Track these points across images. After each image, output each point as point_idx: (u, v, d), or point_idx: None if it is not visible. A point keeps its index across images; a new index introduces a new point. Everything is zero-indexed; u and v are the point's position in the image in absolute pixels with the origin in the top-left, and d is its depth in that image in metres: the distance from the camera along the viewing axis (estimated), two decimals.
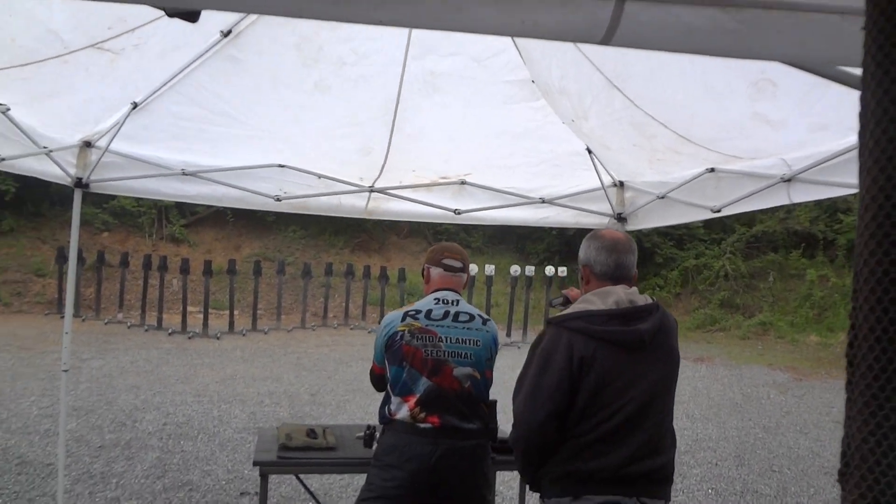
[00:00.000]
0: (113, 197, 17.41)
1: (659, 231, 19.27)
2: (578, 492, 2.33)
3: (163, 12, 1.10)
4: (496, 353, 3.12)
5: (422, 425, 2.88)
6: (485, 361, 3.02)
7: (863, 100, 0.72)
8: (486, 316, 3.13)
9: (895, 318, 0.53)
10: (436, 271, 3.15)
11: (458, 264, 3.15)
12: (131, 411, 7.70)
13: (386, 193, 4.58)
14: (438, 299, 3.05)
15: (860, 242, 0.57)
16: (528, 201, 4.69)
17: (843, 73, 1.34)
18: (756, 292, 18.94)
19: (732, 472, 6.68)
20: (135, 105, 3.68)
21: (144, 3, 1.01)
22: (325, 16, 0.97)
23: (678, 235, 20.23)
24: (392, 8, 0.93)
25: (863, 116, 0.71)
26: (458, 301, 3.07)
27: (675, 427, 2.55)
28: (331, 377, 10.28)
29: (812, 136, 2.91)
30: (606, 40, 1.05)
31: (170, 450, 6.39)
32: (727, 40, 1.08)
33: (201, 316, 14.30)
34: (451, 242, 3.38)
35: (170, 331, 13.72)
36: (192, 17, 1.02)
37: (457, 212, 4.65)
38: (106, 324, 14.16)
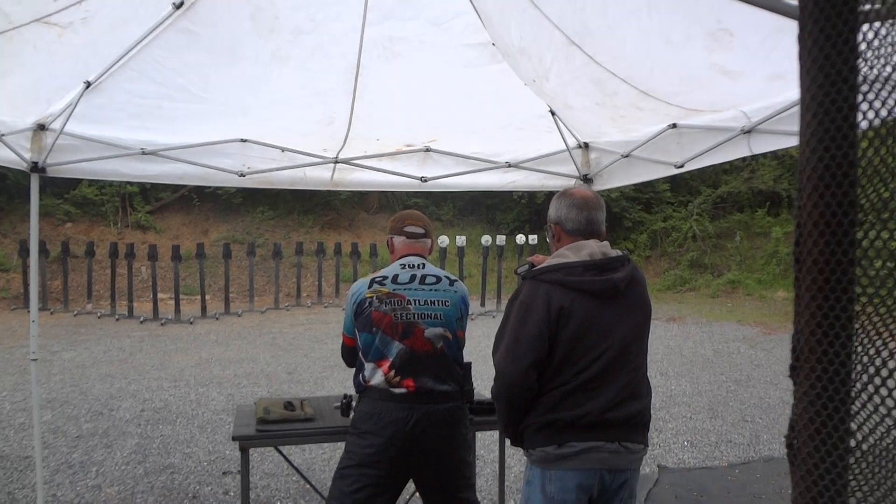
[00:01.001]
0: (74, 186, 17.06)
1: (627, 195, 19.46)
2: (561, 439, 2.38)
3: None
4: (467, 314, 3.14)
5: (397, 390, 2.90)
6: (455, 321, 3.03)
7: (801, 22, 0.73)
8: (453, 277, 3.14)
9: (837, 211, 0.55)
10: (398, 239, 3.16)
11: (419, 230, 3.15)
12: (107, 400, 7.62)
13: (351, 164, 4.54)
14: (404, 264, 3.06)
15: (803, 145, 0.59)
16: (494, 166, 4.69)
17: (789, 5, 1.35)
18: (724, 252, 19.27)
19: (706, 425, 6.84)
20: (88, 84, 3.59)
21: None
22: None
23: (646, 199, 20.45)
24: None
25: (801, 38, 0.72)
26: (423, 265, 3.08)
27: (650, 384, 2.61)
28: (307, 355, 10.27)
29: (770, 85, 2.94)
30: None
31: (149, 435, 6.35)
32: None
33: (172, 302, 14.15)
34: (412, 210, 3.36)
35: (141, 319, 13.57)
36: None
37: (423, 179, 4.63)
38: (75, 315, 13.94)
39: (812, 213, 0.57)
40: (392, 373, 2.90)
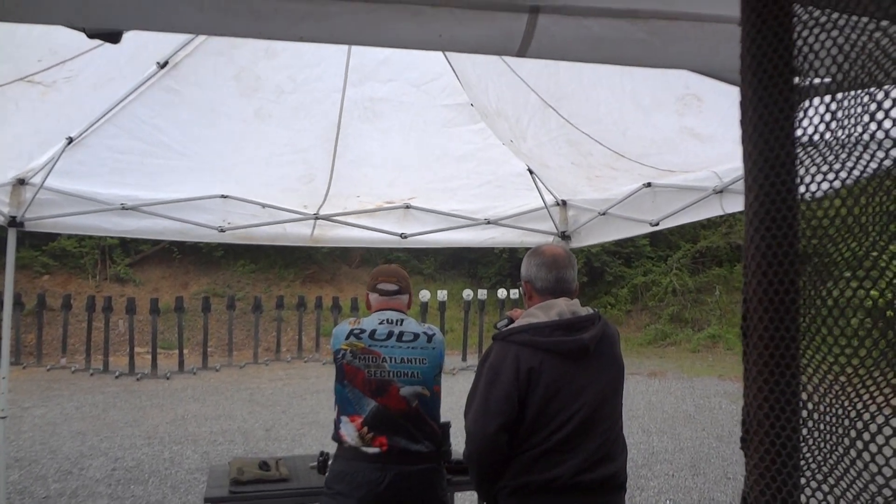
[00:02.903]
0: (53, 239, 16.90)
1: (608, 250, 19.62)
2: (534, 503, 2.35)
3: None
4: (442, 367, 3.12)
5: (369, 450, 2.86)
6: (433, 378, 3.02)
7: (742, 105, 0.77)
8: (430, 331, 3.10)
9: (779, 289, 0.57)
10: (373, 296, 3.15)
11: (392, 287, 3.12)
12: (77, 459, 7.42)
13: (331, 220, 4.57)
14: (383, 319, 3.04)
15: (747, 223, 0.62)
16: (474, 223, 4.74)
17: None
18: (704, 306, 19.37)
19: (689, 482, 6.77)
20: (70, 140, 3.63)
21: (60, 24, 1.00)
22: (247, 33, 0.99)
23: (626, 254, 20.62)
24: (311, 25, 0.96)
25: (743, 122, 0.76)
26: (402, 321, 3.06)
27: (630, 441, 2.59)
28: (285, 411, 10.10)
29: (739, 148, 3.02)
30: (522, 52, 1.09)
31: (119, 496, 6.17)
32: (637, 50, 1.14)
33: (149, 357, 13.92)
34: (389, 265, 3.34)
35: (117, 373, 13.31)
36: (113, 37, 1.02)
37: (403, 236, 4.67)
38: (48, 370, 13.65)
39: (756, 290, 0.59)
40: (365, 429, 2.87)
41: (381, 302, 3.12)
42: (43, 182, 3.79)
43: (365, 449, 2.86)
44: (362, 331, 2.99)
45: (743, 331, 0.63)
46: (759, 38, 0.71)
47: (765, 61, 0.68)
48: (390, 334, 3.00)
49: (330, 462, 3.06)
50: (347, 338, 2.97)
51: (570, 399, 2.36)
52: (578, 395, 2.38)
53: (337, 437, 2.95)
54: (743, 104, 0.69)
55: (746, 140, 0.67)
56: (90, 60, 2.80)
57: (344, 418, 2.93)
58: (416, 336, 3.03)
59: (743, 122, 0.69)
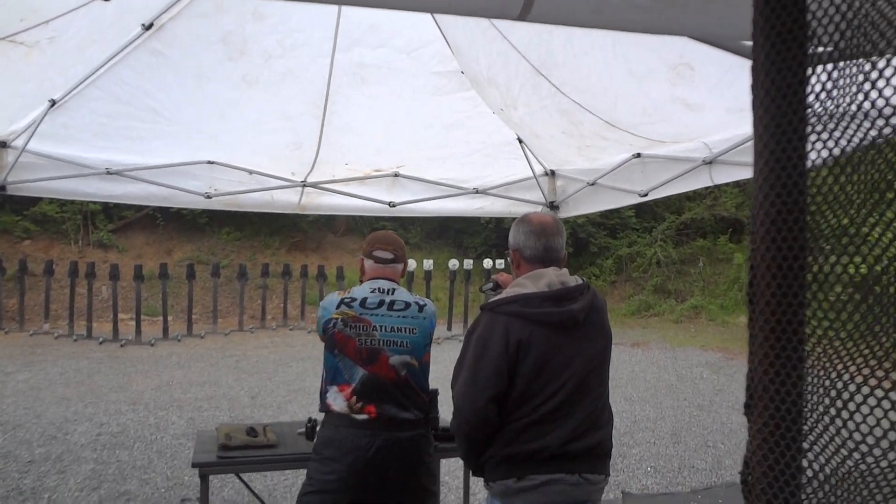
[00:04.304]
0: (34, 203, 16.67)
1: (593, 221, 19.67)
2: (521, 472, 2.37)
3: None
4: (432, 337, 3.12)
5: (358, 416, 2.88)
6: (422, 348, 3.03)
7: (753, 70, 0.76)
8: (422, 301, 3.10)
9: (788, 255, 0.57)
10: (368, 263, 3.13)
11: (388, 255, 3.11)
12: (62, 424, 7.41)
13: (319, 188, 4.54)
14: (374, 288, 3.04)
15: (756, 190, 0.61)
16: (462, 192, 4.73)
17: (747, 47, 1.41)
18: (687, 277, 19.54)
19: (670, 450, 6.90)
20: (53, 102, 3.55)
21: None
22: None
23: (611, 225, 20.69)
24: None
25: (754, 87, 0.76)
26: (394, 290, 3.06)
27: (614, 410, 2.62)
28: (271, 378, 10.13)
29: (730, 118, 3.03)
30: (523, 16, 1.07)
31: (105, 461, 6.18)
32: (638, 15, 1.13)
33: (133, 323, 13.85)
34: (386, 232, 3.30)
35: (101, 340, 13.25)
36: None
37: (391, 204, 4.65)
38: (31, 335, 13.57)
39: (765, 255, 0.59)
40: (354, 398, 2.88)
41: (376, 269, 3.10)
42: (25, 145, 3.72)
43: (354, 416, 2.88)
44: (353, 299, 2.99)
45: (749, 297, 0.63)
46: (771, 8, 0.70)
47: (778, 24, 0.67)
48: (381, 303, 2.99)
49: (318, 428, 3.07)
50: (338, 307, 2.97)
51: (559, 370, 2.37)
52: (567, 366, 2.38)
53: (324, 406, 2.96)
54: (755, 69, 0.68)
55: (758, 105, 0.67)
56: (73, 20, 2.74)
57: (332, 388, 2.94)
58: (408, 305, 3.03)
59: (754, 88, 0.68)
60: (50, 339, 13.39)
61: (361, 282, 3.15)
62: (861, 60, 0.79)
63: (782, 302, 0.58)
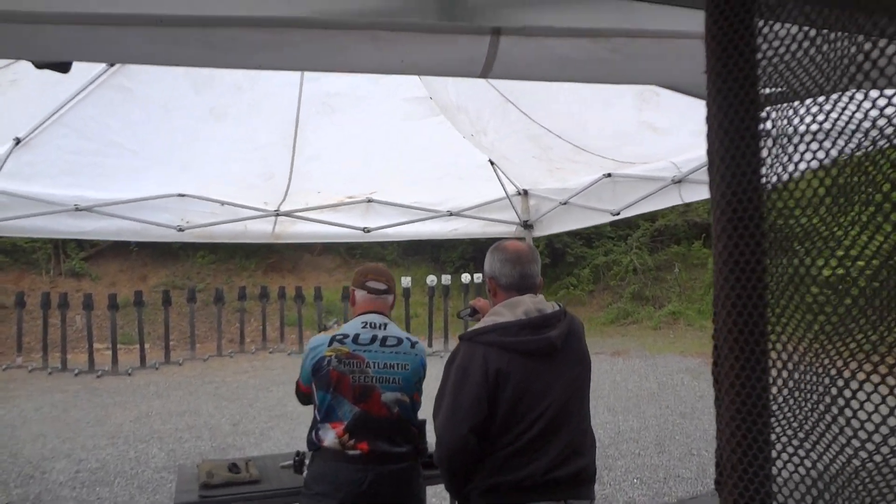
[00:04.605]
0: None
1: (569, 231, 19.76)
2: (507, 501, 2.38)
3: None
4: (424, 376, 3.12)
5: (351, 452, 2.87)
6: (413, 384, 3.02)
7: (708, 115, 0.78)
8: (414, 339, 3.11)
9: (749, 339, 0.58)
10: (360, 294, 3.12)
11: (381, 286, 3.11)
12: (39, 462, 7.26)
13: (292, 216, 4.52)
14: (366, 323, 3.02)
15: (716, 269, 0.63)
16: (436, 214, 4.74)
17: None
18: (664, 284, 19.71)
19: (655, 460, 6.92)
20: (17, 141, 3.50)
21: (6, 58, 0.96)
22: (202, 63, 0.96)
23: (587, 234, 20.81)
24: (269, 54, 0.93)
25: (709, 133, 0.78)
26: (385, 325, 3.04)
27: (598, 421, 2.63)
28: (252, 405, 10.02)
29: (694, 140, 3.08)
30: (485, 73, 1.08)
31: (84, 499, 6.07)
32: (602, 69, 1.14)
33: (109, 353, 13.63)
34: (376, 264, 3.32)
35: (76, 371, 13.02)
36: (62, 67, 0.98)
37: (366, 230, 4.64)
38: (4, 370, 13.30)
39: (727, 338, 0.61)
40: (346, 436, 2.87)
41: (368, 300, 3.09)
42: None
43: (346, 451, 2.87)
44: (345, 335, 2.97)
45: (714, 376, 0.64)
46: (724, 56, 0.72)
47: (730, 79, 0.69)
48: (374, 339, 2.98)
49: (307, 462, 3.05)
50: (331, 344, 2.95)
51: (539, 398, 2.38)
52: (546, 393, 2.40)
53: (315, 442, 2.94)
54: (709, 119, 0.70)
55: (713, 153, 0.69)
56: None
57: (323, 425, 2.92)
58: (400, 341, 3.02)
59: (709, 137, 0.70)
60: (24, 372, 13.13)
61: (353, 314, 3.13)
62: (809, 101, 0.83)
63: (748, 303, 0.60)
